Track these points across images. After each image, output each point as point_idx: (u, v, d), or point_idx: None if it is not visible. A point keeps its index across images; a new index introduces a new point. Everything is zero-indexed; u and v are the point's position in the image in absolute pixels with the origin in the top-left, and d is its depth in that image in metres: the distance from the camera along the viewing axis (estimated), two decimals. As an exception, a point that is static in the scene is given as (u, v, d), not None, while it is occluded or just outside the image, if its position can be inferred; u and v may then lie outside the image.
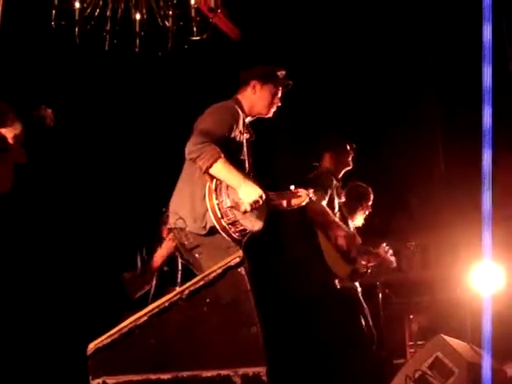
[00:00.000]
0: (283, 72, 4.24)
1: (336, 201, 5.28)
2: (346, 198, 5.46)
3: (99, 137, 4.36)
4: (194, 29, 4.29)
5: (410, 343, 6.25)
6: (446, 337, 4.40)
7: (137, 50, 4.30)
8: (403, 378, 4.21)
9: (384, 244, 5.51)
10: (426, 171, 7.08)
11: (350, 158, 5.41)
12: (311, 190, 4.44)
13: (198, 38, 4.23)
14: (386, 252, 5.49)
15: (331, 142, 5.45)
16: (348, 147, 5.39)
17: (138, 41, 4.28)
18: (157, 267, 5.00)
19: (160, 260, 5.00)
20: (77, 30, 4.08)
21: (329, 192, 5.18)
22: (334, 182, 5.30)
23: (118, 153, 5.23)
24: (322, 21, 6.45)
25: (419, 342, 6.12)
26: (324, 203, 5.09)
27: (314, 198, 4.45)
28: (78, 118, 4.70)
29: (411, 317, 6.33)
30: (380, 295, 5.54)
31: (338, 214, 5.27)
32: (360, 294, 5.16)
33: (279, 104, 4.25)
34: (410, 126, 6.87)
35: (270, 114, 4.26)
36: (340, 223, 5.16)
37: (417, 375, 4.22)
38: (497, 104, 2.59)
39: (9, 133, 3.72)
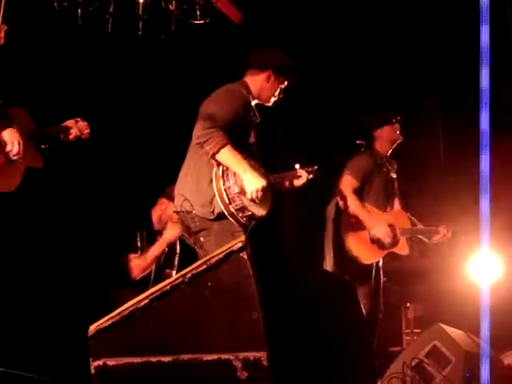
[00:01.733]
0: (295, 66, 4.25)
1: (376, 181, 5.25)
2: None
3: (101, 119, 4.36)
4: (198, 12, 4.28)
5: (407, 331, 6.26)
6: (443, 325, 4.40)
7: (140, 32, 4.28)
8: (400, 365, 4.22)
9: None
10: (425, 162, 7.09)
11: (397, 132, 5.38)
12: (315, 167, 4.47)
13: (201, 21, 4.21)
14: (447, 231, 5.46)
15: (374, 119, 5.41)
16: (394, 121, 5.35)
17: (141, 23, 4.26)
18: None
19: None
20: (79, 11, 4.05)
21: (361, 174, 5.18)
22: (374, 161, 5.28)
23: (119, 135, 5.22)
24: (325, 9, 6.42)
25: (415, 330, 6.14)
26: (352, 188, 5.12)
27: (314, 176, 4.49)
28: (79, 100, 4.69)
29: (408, 305, 6.34)
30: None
31: (374, 194, 5.25)
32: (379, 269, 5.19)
33: (281, 96, 4.27)
34: (409, 117, 6.87)
35: (270, 104, 4.29)
36: (366, 212, 5.16)
37: (414, 363, 4.23)
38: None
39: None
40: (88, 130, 4.22)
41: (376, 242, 5.16)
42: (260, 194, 3.87)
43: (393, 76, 6.86)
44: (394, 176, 5.43)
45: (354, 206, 5.12)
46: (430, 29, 6.85)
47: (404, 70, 6.88)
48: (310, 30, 6.40)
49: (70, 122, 4.18)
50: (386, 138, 5.37)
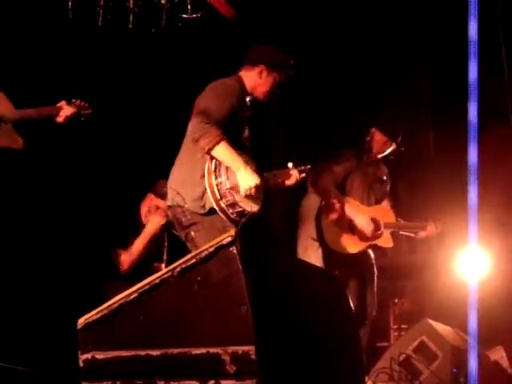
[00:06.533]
0: (291, 61, 4.23)
1: (358, 179, 5.25)
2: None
3: (92, 114, 4.35)
4: (189, 7, 4.28)
5: (394, 326, 6.29)
6: (431, 321, 4.43)
7: (130, 26, 4.28)
8: (388, 360, 4.24)
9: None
10: (414, 156, 7.10)
11: (385, 150, 5.34)
12: (308, 166, 4.47)
13: (192, 15, 4.22)
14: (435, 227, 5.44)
15: (383, 122, 5.38)
16: (390, 139, 5.30)
17: (131, 17, 4.26)
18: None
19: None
20: (70, 4, 4.05)
21: (337, 170, 5.17)
22: (356, 159, 5.27)
23: (111, 129, 5.21)
24: (318, 4, 6.43)
25: (403, 326, 6.17)
26: (333, 182, 5.11)
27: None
28: (69, 95, 4.67)
29: (396, 300, 6.36)
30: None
31: (357, 191, 5.24)
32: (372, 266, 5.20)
33: (275, 91, 4.26)
34: (399, 112, 6.88)
35: (265, 100, 4.27)
36: (344, 203, 5.15)
37: (401, 358, 4.26)
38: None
39: None
40: (89, 111, 4.16)
41: (357, 232, 5.16)
42: (254, 190, 3.88)
43: (381, 73, 6.88)
44: (385, 178, 5.42)
45: (330, 198, 5.11)
46: (423, 23, 6.88)
47: (393, 66, 6.90)
48: (303, 25, 6.40)
49: (61, 104, 4.12)
50: (376, 142, 5.33)
